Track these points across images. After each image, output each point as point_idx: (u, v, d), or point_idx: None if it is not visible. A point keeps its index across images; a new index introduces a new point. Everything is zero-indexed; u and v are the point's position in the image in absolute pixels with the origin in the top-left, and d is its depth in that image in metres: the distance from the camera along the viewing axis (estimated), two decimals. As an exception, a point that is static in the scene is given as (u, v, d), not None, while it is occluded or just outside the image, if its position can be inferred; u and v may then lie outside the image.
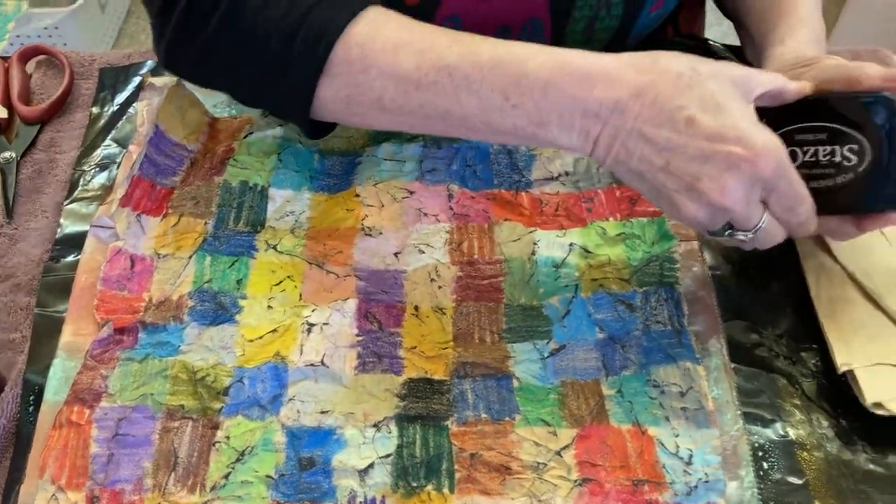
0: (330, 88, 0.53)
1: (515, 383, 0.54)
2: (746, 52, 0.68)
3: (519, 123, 0.50)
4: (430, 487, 0.50)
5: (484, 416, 0.52)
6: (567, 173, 0.63)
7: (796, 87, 0.51)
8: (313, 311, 0.57)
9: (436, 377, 0.54)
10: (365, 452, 0.51)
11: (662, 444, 0.51)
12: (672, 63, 0.48)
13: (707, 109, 0.46)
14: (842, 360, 0.53)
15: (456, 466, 0.50)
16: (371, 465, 0.50)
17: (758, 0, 0.65)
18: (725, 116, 0.46)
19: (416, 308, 0.57)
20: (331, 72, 0.52)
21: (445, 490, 0.50)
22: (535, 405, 0.53)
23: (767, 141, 0.47)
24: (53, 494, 0.49)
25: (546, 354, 0.55)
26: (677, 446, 0.51)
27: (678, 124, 0.47)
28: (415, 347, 0.55)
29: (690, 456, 0.50)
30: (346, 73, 0.52)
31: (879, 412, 0.51)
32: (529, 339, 0.56)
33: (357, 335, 0.56)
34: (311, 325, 0.56)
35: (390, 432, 0.52)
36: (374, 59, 0.51)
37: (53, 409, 0.53)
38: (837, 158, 0.52)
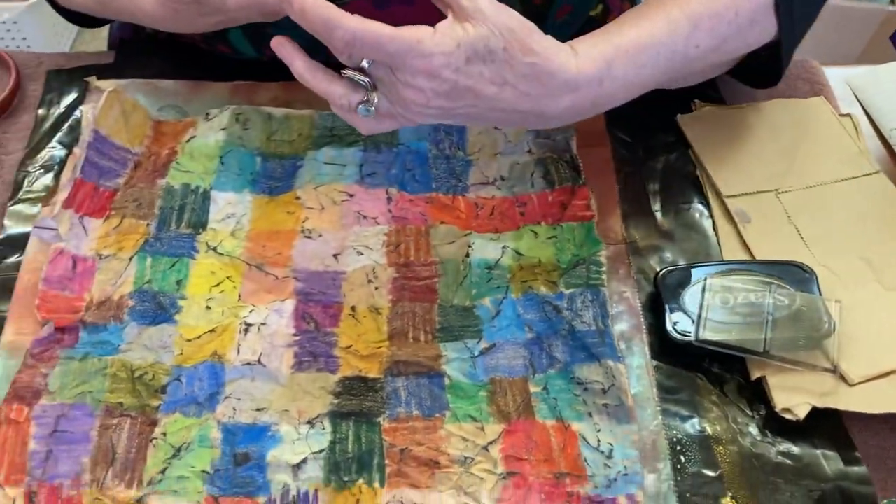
0: None
1: (446, 381, 0.56)
2: None
3: None
4: (361, 481, 0.52)
5: (415, 412, 0.54)
6: (503, 178, 0.66)
7: None
8: (251, 311, 0.58)
9: (370, 375, 0.56)
10: (299, 448, 0.53)
11: (584, 439, 0.53)
12: None
13: None
14: (755, 369, 0.56)
15: (387, 461, 0.52)
16: (304, 461, 0.52)
17: None
18: None
19: (353, 308, 0.59)
20: None
21: (376, 484, 0.52)
22: (465, 402, 0.55)
23: None
24: (-9, 491, 0.51)
25: (476, 353, 0.57)
26: (598, 441, 0.53)
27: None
28: (350, 347, 0.57)
29: (611, 450, 0.53)
30: None
31: (787, 416, 0.54)
32: (461, 338, 0.58)
33: (294, 335, 0.57)
34: (249, 324, 0.57)
35: (324, 429, 0.54)
36: None
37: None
38: None
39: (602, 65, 0.53)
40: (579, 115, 0.55)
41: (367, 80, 0.50)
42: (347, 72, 0.51)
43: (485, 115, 0.53)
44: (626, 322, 0.59)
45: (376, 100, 0.51)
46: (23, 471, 0.51)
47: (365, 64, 0.50)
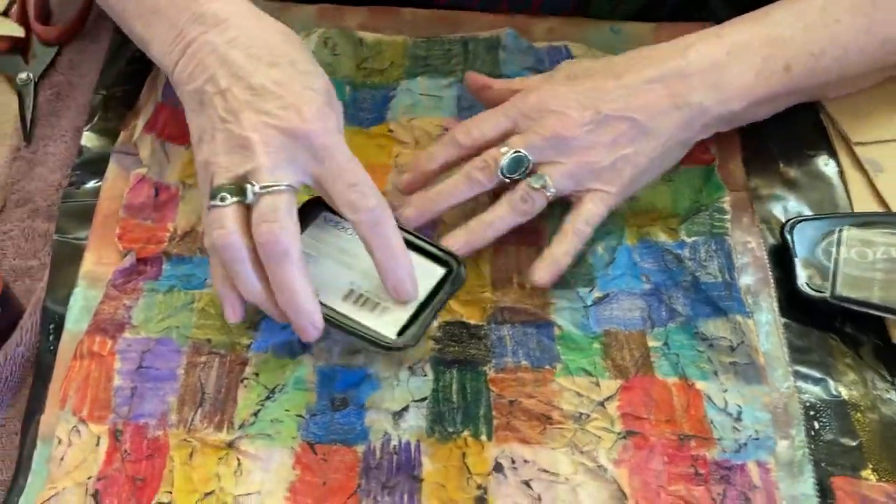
0: None
1: (556, 331, 0.51)
2: None
3: (144, 5, 0.51)
4: (466, 433, 0.48)
5: (524, 363, 0.50)
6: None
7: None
8: (346, 248, 0.54)
9: (472, 322, 0.52)
10: (399, 394, 0.49)
11: (710, 399, 0.49)
12: (291, 32, 0.50)
13: (294, 66, 0.47)
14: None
15: (494, 413, 0.48)
16: (405, 408, 0.48)
17: None
18: (306, 78, 0.47)
19: (454, 250, 0.55)
20: None
21: (483, 437, 0.48)
22: (577, 354, 0.51)
23: (330, 112, 0.47)
24: (75, 426, 0.47)
25: (589, 303, 0.52)
26: (726, 402, 0.49)
27: (261, 61, 0.47)
28: (452, 290, 0.53)
29: (739, 412, 0.48)
30: None
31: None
32: (572, 286, 0.53)
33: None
34: (344, 262, 0.53)
35: (425, 375, 0.50)
36: None
37: (74, 339, 0.51)
38: None
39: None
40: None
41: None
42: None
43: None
44: (752, 275, 0.54)
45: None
46: (107, 407, 0.48)
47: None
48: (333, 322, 0.46)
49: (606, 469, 0.46)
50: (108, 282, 0.52)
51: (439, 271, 0.49)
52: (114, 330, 0.50)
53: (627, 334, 0.51)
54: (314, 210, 0.50)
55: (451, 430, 0.48)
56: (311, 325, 0.45)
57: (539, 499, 0.46)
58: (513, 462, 0.47)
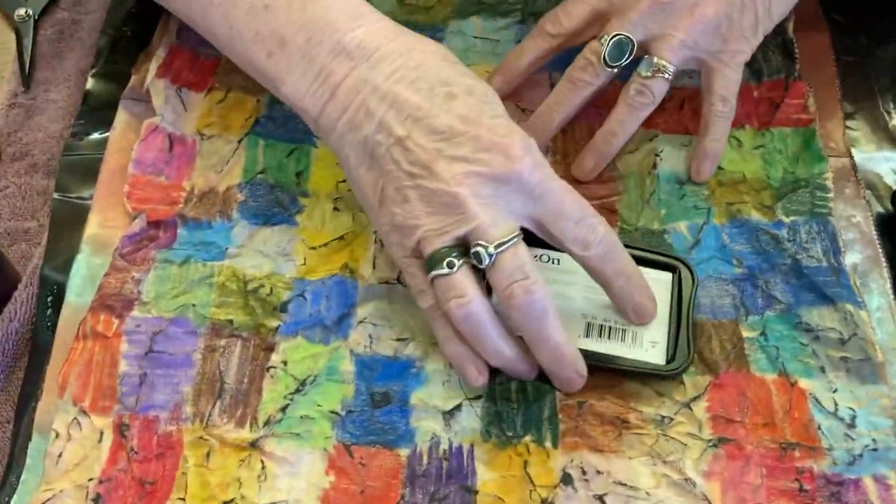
0: None
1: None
2: None
3: (263, 31, 0.41)
4: (528, 439, 0.41)
5: (595, 356, 0.43)
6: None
7: None
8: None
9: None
10: (451, 391, 0.42)
11: (817, 401, 0.41)
12: (445, 48, 0.43)
13: (472, 94, 0.40)
14: None
15: (560, 416, 0.41)
16: (458, 407, 0.42)
17: None
18: (490, 106, 0.40)
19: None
20: None
21: (548, 444, 0.41)
22: (658, 346, 0.43)
23: (531, 141, 0.40)
24: (75, 418, 0.41)
25: (672, 286, 0.45)
26: (836, 404, 0.41)
27: (436, 96, 0.40)
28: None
29: (853, 417, 0.41)
30: None
31: None
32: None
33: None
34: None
35: (481, 369, 0.42)
36: None
37: (76, 313, 0.44)
38: None
39: None
40: None
41: None
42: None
43: None
44: (859, 253, 0.46)
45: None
46: (112, 397, 0.41)
47: None
48: (595, 362, 0.41)
49: (695, 483, 0.39)
50: (115, 250, 0.45)
51: (665, 277, 0.44)
52: (121, 307, 0.44)
53: (717, 324, 0.44)
54: None
55: (510, 434, 0.41)
56: (577, 374, 0.41)
57: (616, 517, 0.39)
58: (584, 473, 0.40)
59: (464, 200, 0.38)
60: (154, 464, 0.40)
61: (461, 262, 0.39)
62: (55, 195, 0.49)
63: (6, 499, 0.40)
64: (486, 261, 0.38)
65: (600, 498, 0.39)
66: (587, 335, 0.42)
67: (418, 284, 0.40)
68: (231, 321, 0.44)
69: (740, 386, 0.42)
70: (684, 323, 0.43)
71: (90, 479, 0.40)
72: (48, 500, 0.39)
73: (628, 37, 0.45)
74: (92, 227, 0.47)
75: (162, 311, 0.44)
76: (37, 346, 0.45)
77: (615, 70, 0.46)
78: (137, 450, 0.40)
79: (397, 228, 0.40)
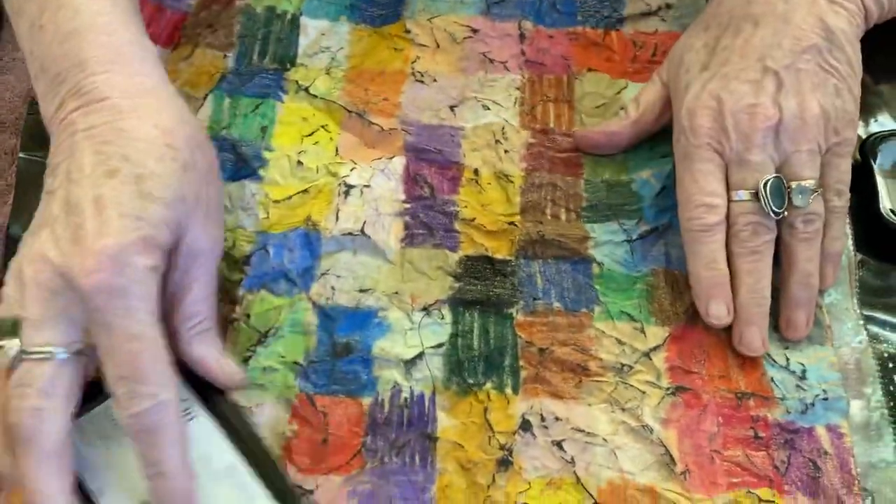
0: None
1: (595, 269, 0.44)
2: None
3: (35, 51, 0.40)
4: (489, 386, 0.41)
5: (556, 305, 0.43)
6: (668, 6, 0.52)
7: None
8: (352, 169, 0.47)
9: (498, 256, 0.45)
10: (412, 340, 0.42)
11: (769, 356, 0.42)
12: (190, 124, 0.39)
13: (139, 182, 0.36)
14: None
15: (521, 363, 0.42)
16: (419, 356, 0.42)
17: None
18: (140, 204, 0.36)
19: (476, 172, 0.47)
20: None
21: (508, 390, 0.41)
22: (619, 296, 0.44)
23: (111, 244, 0.34)
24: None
25: (634, 237, 0.45)
26: (787, 359, 0.42)
27: (100, 165, 0.36)
28: (473, 220, 0.46)
29: (804, 371, 0.42)
30: None
31: None
32: (614, 218, 0.46)
33: (404, 201, 0.46)
34: (350, 186, 0.46)
35: (443, 318, 0.43)
36: None
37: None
38: None
39: None
40: None
41: None
42: None
43: None
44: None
45: None
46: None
47: None
48: None
49: (652, 429, 0.40)
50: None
51: None
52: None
53: (678, 275, 0.44)
54: None
55: (471, 381, 0.41)
56: None
57: (572, 461, 0.39)
58: (542, 419, 0.40)
59: (25, 282, 0.34)
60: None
61: (23, 354, 0.34)
62: (21, 155, 0.49)
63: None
64: (4, 362, 0.34)
65: (558, 444, 0.40)
66: None
67: None
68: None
69: (698, 339, 0.42)
70: None
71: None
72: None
73: (775, 176, 0.41)
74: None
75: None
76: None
77: (784, 214, 0.41)
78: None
79: None
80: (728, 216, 0.42)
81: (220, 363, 0.39)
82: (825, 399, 0.41)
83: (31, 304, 0.34)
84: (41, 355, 0.34)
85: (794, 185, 0.41)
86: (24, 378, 0.34)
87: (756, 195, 0.41)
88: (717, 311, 0.42)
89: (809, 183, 0.41)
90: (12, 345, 0.34)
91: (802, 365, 0.42)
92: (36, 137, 0.49)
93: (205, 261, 0.39)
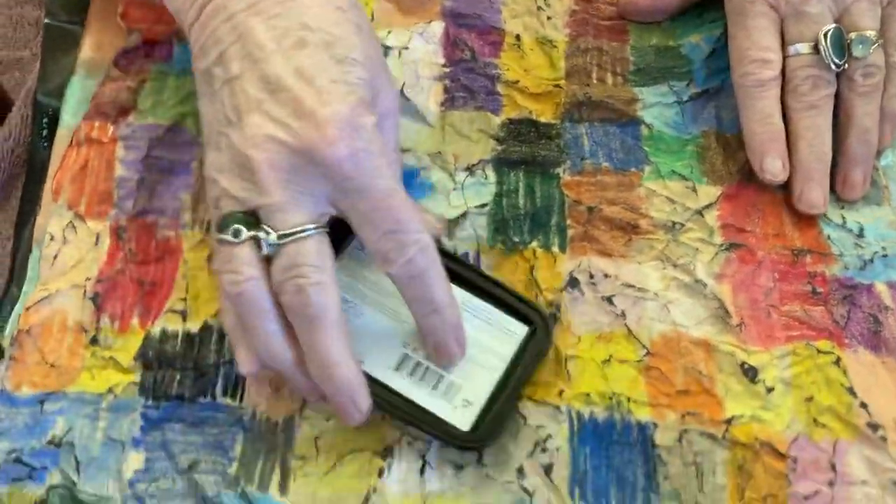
0: None
1: (644, 131, 0.43)
2: None
3: None
4: (535, 244, 0.40)
5: (605, 164, 0.42)
6: None
7: None
8: (389, 33, 0.45)
9: (542, 119, 0.43)
10: (455, 200, 0.41)
11: (825, 215, 0.41)
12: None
13: (330, 48, 0.34)
14: None
15: (569, 221, 0.40)
16: (463, 215, 0.41)
17: None
18: (341, 68, 0.34)
19: (518, 38, 0.46)
20: None
21: (555, 249, 0.40)
22: (669, 157, 0.42)
23: (364, 122, 0.33)
24: (70, 222, 0.40)
25: (685, 98, 0.44)
26: (844, 218, 0.41)
27: (286, 39, 0.34)
28: (517, 82, 0.44)
29: (861, 229, 0.40)
30: None
31: None
32: (663, 80, 0.44)
33: (444, 65, 0.44)
34: (387, 48, 0.45)
35: (486, 178, 0.41)
36: None
37: (72, 133, 0.43)
38: None
39: None
40: None
41: None
42: None
43: None
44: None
45: None
46: (108, 201, 0.41)
47: None
48: (384, 405, 0.35)
49: (706, 284, 0.39)
50: (110, 63, 0.44)
51: (518, 330, 0.37)
52: (116, 114, 0.42)
53: (730, 137, 0.43)
54: (341, 232, 0.35)
55: (517, 239, 0.40)
56: (353, 406, 0.34)
57: (623, 315, 0.38)
58: (591, 277, 0.39)
59: (257, 168, 0.32)
60: (153, 266, 0.39)
61: (249, 234, 0.33)
62: (46, 20, 0.47)
63: (9, 307, 0.40)
64: (266, 250, 0.33)
65: (608, 299, 0.38)
66: (397, 368, 0.36)
67: (212, 243, 0.35)
68: (230, 130, 0.42)
69: (752, 198, 0.41)
70: (510, 391, 0.35)
71: (87, 279, 0.39)
72: (44, 298, 0.39)
73: (835, 27, 0.39)
74: (86, 51, 0.46)
75: (159, 118, 0.42)
76: (33, 165, 0.44)
77: (844, 67, 0.40)
78: (136, 251, 0.39)
79: (208, 179, 0.35)
80: (784, 72, 0.40)
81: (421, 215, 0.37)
82: (884, 256, 0.39)
83: (272, 189, 0.32)
84: (301, 235, 0.33)
85: (853, 35, 0.40)
86: (295, 259, 0.32)
87: (815, 48, 0.40)
88: (773, 167, 0.40)
89: (870, 33, 0.40)
90: (267, 233, 0.33)
91: (859, 223, 0.40)
92: (62, 3, 0.48)
93: (394, 121, 0.37)
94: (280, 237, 0.33)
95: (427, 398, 0.35)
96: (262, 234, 0.33)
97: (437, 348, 0.36)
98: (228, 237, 0.33)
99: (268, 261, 0.33)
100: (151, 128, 0.42)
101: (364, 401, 0.34)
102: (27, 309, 0.39)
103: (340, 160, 0.32)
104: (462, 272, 0.37)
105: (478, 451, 0.35)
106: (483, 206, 0.41)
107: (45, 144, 0.44)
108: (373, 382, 0.34)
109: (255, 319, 0.33)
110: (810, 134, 0.40)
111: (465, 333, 0.36)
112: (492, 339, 0.37)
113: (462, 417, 0.35)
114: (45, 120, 0.45)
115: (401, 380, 0.36)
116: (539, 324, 0.37)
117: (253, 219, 0.33)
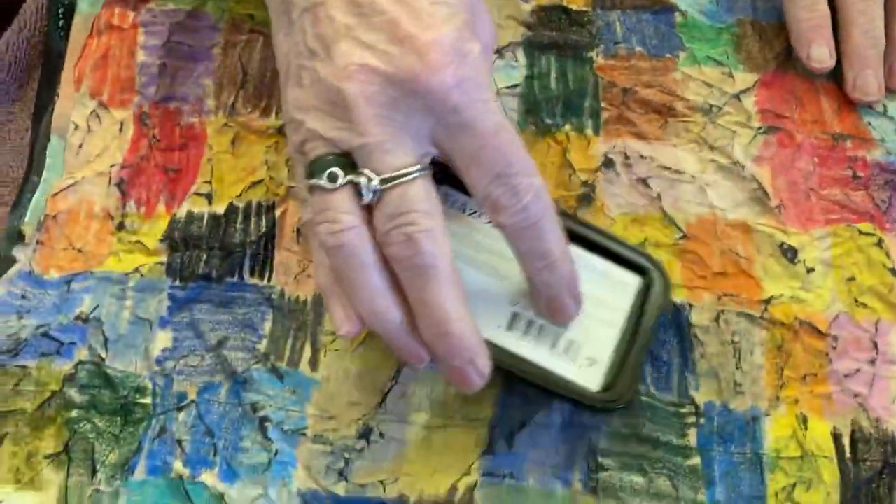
0: None
1: (678, 18, 0.41)
2: None
3: None
4: (567, 127, 0.39)
5: (638, 49, 0.41)
6: None
7: None
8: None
9: (573, 7, 0.42)
10: (485, 84, 0.40)
11: (866, 104, 0.39)
12: None
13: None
14: None
15: (603, 104, 0.39)
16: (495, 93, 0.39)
17: None
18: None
19: (547, -74, 0.44)
20: None
21: (589, 131, 0.39)
22: (704, 44, 0.41)
23: (472, 48, 0.29)
24: (93, 111, 0.39)
25: (720, -16, 0.42)
26: (885, 107, 0.39)
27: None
28: (547, -31, 0.43)
29: (903, 114, 0.39)
30: None
31: None
32: (697, -34, 0.43)
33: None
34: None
35: (517, 61, 0.40)
36: None
37: (88, 21, 0.42)
38: None
39: None
40: None
41: None
42: None
43: None
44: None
45: None
46: (131, 89, 0.40)
47: None
48: (507, 366, 0.32)
49: (744, 166, 0.38)
50: (127, -49, 0.43)
51: (632, 281, 0.34)
52: (136, 0, 0.41)
53: (766, 25, 0.41)
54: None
55: (549, 121, 0.39)
56: (472, 368, 0.30)
57: (658, 198, 0.37)
58: (626, 158, 0.38)
59: (351, 103, 0.29)
60: (178, 153, 0.38)
61: (347, 178, 0.29)
62: (62, -88, 0.46)
63: (29, 195, 0.39)
64: (368, 196, 0.29)
65: (643, 181, 0.38)
66: (509, 328, 0.33)
67: (301, 191, 0.32)
68: (252, 16, 0.41)
69: (789, 86, 0.40)
70: (638, 346, 0.33)
71: (112, 166, 0.38)
72: (70, 185, 0.38)
73: None
74: (102, -59, 0.45)
75: (179, 2, 0.41)
76: (50, 55, 0.42)
77: None
78: (160, 138, 0.39)
79: (290, 120, 0.31)
80: None
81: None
82: (928, 138, 0.38)
83: (370, 127, 0.29)
84: (406, 178, 0.29)
85: None
86: (401, 205, 0.29)
87: None
88: (819, 54, 0.39)
89: None
90: (369, 178, 0.29)
91: (902, 110, 0.39)
92: None
93: (489, 54, 0.33)
94: (383, 181, 0.29)
95: (547, 358, 0.33)
96: (362, 179, 0.29)
97: (551, 305, 0.32)
98: (323, 182, 0.29)
99: (367, 209, 0.30)
100: (172, 13, 0.41)
101: (484, 362, 0.30)
102: (54, 196, 0.38)
103: (447, 90, 0.28)
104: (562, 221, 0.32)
105: (612, 411, 0.33)
106: (514, 86, 0.40)
107: (62, 34, 0.42)
108: (487, 344, 0.31)
109: (358, 274, 0.29)
110: (863, 19, 0.39)
111: (580, 288, 0.33)
112: (605, 292, 0.34)
113: (589, 376, 0.33)
114: (60, 10, 0.43)
115: (516, 340, 0.33)
116: (654, 273, 0.34)
117: (349, 161, 0.29)
